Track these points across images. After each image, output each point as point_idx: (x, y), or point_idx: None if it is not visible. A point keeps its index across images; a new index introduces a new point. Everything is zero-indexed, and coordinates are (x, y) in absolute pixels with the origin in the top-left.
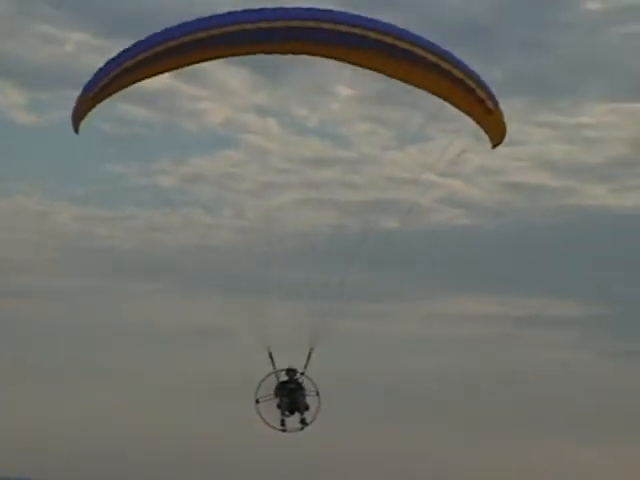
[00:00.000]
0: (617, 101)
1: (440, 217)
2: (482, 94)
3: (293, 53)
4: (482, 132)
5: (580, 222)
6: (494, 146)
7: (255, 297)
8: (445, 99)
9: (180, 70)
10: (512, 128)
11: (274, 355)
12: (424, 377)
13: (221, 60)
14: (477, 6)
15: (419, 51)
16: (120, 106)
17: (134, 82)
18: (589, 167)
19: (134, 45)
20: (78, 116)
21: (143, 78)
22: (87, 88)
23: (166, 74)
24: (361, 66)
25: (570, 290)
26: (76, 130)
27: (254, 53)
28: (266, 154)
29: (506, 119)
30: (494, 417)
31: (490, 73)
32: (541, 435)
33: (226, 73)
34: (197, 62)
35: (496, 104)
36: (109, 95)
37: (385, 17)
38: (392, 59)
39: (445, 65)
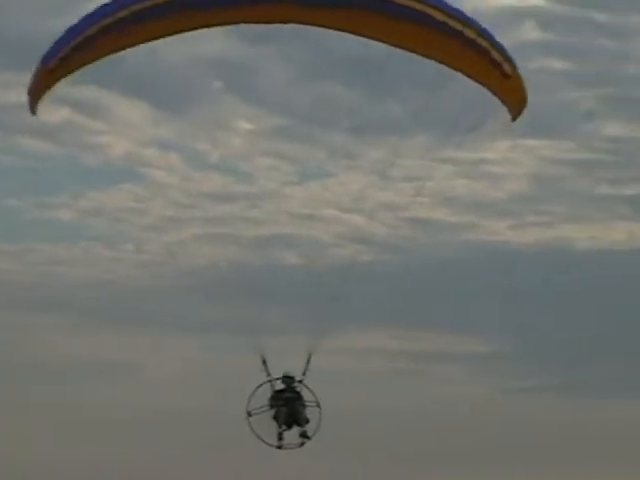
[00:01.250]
0: (518, 137)
1: (341, 253)
2: (498, 56)
3: (281, 21)
4: (388, 165)
5: (481, 258)
6: (514, 118)
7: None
8: (452, 65)
9: (84, 102)
10: (415, 164)
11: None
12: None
13: (120, 94)
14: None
15: (423, 8)
16: (19, 139)
17: (104, 54)
18: (490, 203)
19: (103, 6)
20: (36, 93)
21: (114, 50)
22: (45, 59)
23: (67, 109)
24: (354, 32)
25: (472, 326)
26: (33, 111)
27: (239, 21)
28: (168, 189)
29: (407, 155)
30: (393, 452)
31: (391, 108)
32: (442, 470)
33: (126, 107)
34: (176, 31)
35: (514, 67)
36: (73, 69)
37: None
38: (390, 20)
39: (454, 24)
